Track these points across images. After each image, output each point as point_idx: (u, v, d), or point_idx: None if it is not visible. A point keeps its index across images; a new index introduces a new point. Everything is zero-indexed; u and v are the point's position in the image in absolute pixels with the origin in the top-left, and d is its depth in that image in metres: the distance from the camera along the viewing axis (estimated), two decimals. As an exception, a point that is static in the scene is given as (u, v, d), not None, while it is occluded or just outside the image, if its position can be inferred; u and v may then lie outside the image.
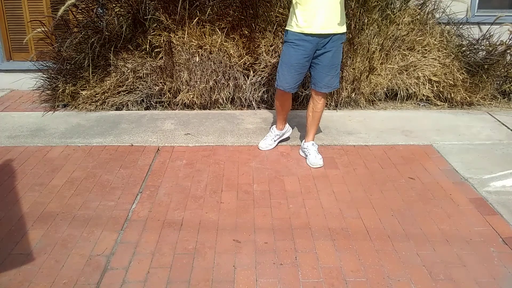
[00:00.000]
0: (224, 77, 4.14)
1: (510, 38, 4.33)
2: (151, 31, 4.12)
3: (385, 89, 4.28)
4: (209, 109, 4.24)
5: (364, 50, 4.17)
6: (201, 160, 3.25)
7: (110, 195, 2.81)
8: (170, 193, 2.84)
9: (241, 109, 4.24)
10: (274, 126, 3.46)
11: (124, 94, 4.19)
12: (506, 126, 3.87)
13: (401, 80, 4.24)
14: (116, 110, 4.20)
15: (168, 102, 4.24)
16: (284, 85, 3.06)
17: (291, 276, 2.13)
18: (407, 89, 4.26)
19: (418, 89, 4.25)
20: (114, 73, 4.16)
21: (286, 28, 3.00)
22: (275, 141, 3.44)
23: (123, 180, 2.99)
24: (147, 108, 4.25)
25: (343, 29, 2.96)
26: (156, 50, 4.12)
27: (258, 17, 4.09)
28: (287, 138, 3.55)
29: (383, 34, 4.19)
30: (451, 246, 2.34)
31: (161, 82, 4.13)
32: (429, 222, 2.55)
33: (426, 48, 4.28)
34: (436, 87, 4.24)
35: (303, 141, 3.35)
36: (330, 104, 4.24)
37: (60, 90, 4.16)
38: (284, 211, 2.64)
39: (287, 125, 3.49)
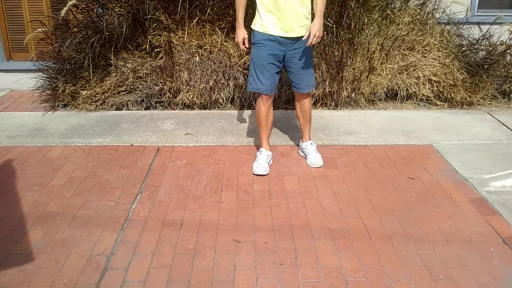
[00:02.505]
0: (224, 77, 4.14)
1: (510, 38, 4.33)
2: (151, 31, 4.12)
3: (385, 89, 4.28)
4: (209, 109, 4.24)
5: (364, 50, 4.17)
6: (201, 160, 3.25)
7: (110, 195, 2.81)
8: (170, 193, 2.84)
9: (241, 109, 4.24)
10: (262, 148, 3.19)
11: (124, 94, 4.19)
12: (506, 126, 3.87)
13: (401, 80, 4.24)
14: (116, 110, 4.20)
15: (168, 102, 4.24)
16: (260, 87, 2.96)
17: (291, 276, 2.13)
18: (407, 89, 4.26)
19: (418, 89, 4.25)
20: (114, 73, 4.16)
21: (252, 27, 2.95)
22: (267, 162, 3.13)
23: (123, 180, 2.99)
24: (147, 108, 4.25)
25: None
26: (156, 50, 4.13)
27: (258, 17, 4.09)
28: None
29: (383, 34, 4.19)
30: (451, 246, 2.34)
31: (161, 82, 4.14)
32: (429, 222, 2.55)
33: (426, 48, 4.28)
34: (436, 87, 4.24)
35: (301, 141, 3.34)
36: (330, 104, 4.25)
37: (60, 90, 4.16)
38: (284, 211, 2.64)
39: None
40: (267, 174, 3.05)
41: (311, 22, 2.84)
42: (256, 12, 2.90)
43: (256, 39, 2.92)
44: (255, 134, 3.66)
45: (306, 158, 3.24)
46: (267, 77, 2.95)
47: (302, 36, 2.85)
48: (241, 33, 2.95)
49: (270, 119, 3.15)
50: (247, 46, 2.99)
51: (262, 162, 3.09)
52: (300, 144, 3.35)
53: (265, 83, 2.96)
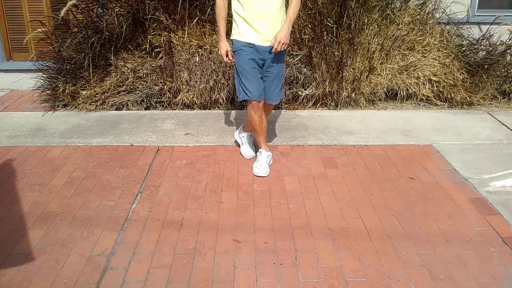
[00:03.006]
0: (224, 77, 4.14)
1: (510, 38, 4.33)
2: (151, 31, 4.12)
3: (385, 89, 4.29)
4: (209, 109, 4.24)
5: (364, 50, 4.17)
6: (201, 160, 3.25)
7: (110, 195, 2.81)
8: (170, 193, 2.84)
9: (241, 109, 4.24)
10: (261, 149, 3.18)
11: (124, 94, 4.19)
12: (506, 126, 3.87)
13: (401, 80, 4.24)
14: (116, 110, 4.20)
15: (168, 102, 4.24)
16: (248, 94, 2.92)
17: (291, 276, 2.13)
18: (407, 89, 4.26)
19: (418, 89, 4.25)
20: (114, 73, 4.16)
21: (231, 37, 2.95)
22: (268, 163, 3.14)
23: (123, 180, 2.99)
24: (147, 108, 4.25)
25: None
26: (156, 50, 4.13)
27: (258, 17, 4.09)
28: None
29: (383, 34, 4.19)
30: (451, 246, 2.34)
31: (161, 82, 4.13)
32: (429, 222, 2.55)
33: (426, 48, 4.28)
34: (436, 87, 4.24)
35: (241, 127, 3.42)
36: (330, 104, 4.24)
37: (60, 90, 4.16)
38: (284, 211, 2.64)
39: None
40: (267, 176, 3.06)
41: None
42: (233, 22, 2.90)
43: (235, 46, 2.92)
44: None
45: (240, 147, 3.35)
46: (252, 82, 2.92)
47: None
48: (224, 46, 2.95)
49: (264, 124, 3.13)
50: (231, 58, 2.99)
51: (262, 163, 3.09)
52: (240, 130, 3.43)
53: (251, 89, 2.93)
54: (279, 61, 2.96)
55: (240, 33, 2.87)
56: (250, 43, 2.86)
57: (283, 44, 2.77)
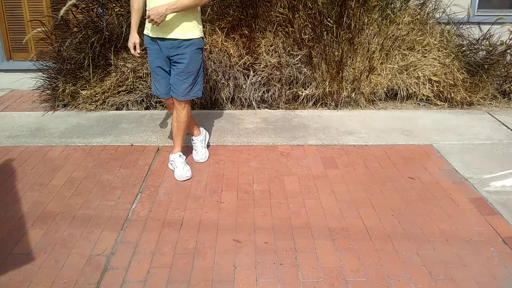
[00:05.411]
0: (224, 77, 4.14)
1: (510, 38, 4.33)
2: (151, 31, 4.12)
3: (385, 89, 4.29)
4: (209, 109, 4.24)
5: (364, 50, 4.17)
6: (201, 160, 3.25)
7: (110, 195, 2.81)
8: (170, 193, 2.84)
9: (241, 109, 4.24)
10: (192, 137, 3.29)
11: (124, 94, 4.19)
12: (506, 126, 3.87)
13: (401, 80, 4.24)
14: (116, 110, 4.20)
15: (168, 102, 4.24)
16: (156, 91, 2.98)
17: (291, 276, 2.13)
18: (407, 89, 4.26)
19: (418, 89, 4.25)
20: (114, 73, 4.16)
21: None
22: (204, 148, 3.29)
23: (123, 180, 2.99)
24: (147, 108, 4.25)
25: (193, 35, 2.78)
26: (156, 50, 4.12)
27: (258, 17, 4.09)
28: (208, 145, 3.44)
29: (383, 34, 4.19)
30: (451, 246, 2.34)
31: (161, 82, 4.13)
32: (429, 222, 2.55)
33: (426, 48, 4.28)
34: (436, 87, 4.24)
35: (170, 153, 3.16)
36: (330, 104, 4.25)
37: (60, 90, 4.16)
38: (284, 211, 2.64)
39: (201, 128, 3.37)
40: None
41: (194, 27, 2.77)
42: None
43: (145, 42, 2.89)
44: (255, 134, 3.67)
45: (173, 172, 3.06)
46: (158, 81, 2.93)
47: (186, 40, 2.75)
48: (132, 38, 2.90)
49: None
50: (139, 51, 2.91)
51: (200, 150, 3.25)
52: (169, 156, 3.16)
53: (158, 87, 2.96)
54: (185, 58, 2.79)
55: (147, 26, 2.83)
56: (153, 37, 2.80)
57: (153, 19, 2.61)
